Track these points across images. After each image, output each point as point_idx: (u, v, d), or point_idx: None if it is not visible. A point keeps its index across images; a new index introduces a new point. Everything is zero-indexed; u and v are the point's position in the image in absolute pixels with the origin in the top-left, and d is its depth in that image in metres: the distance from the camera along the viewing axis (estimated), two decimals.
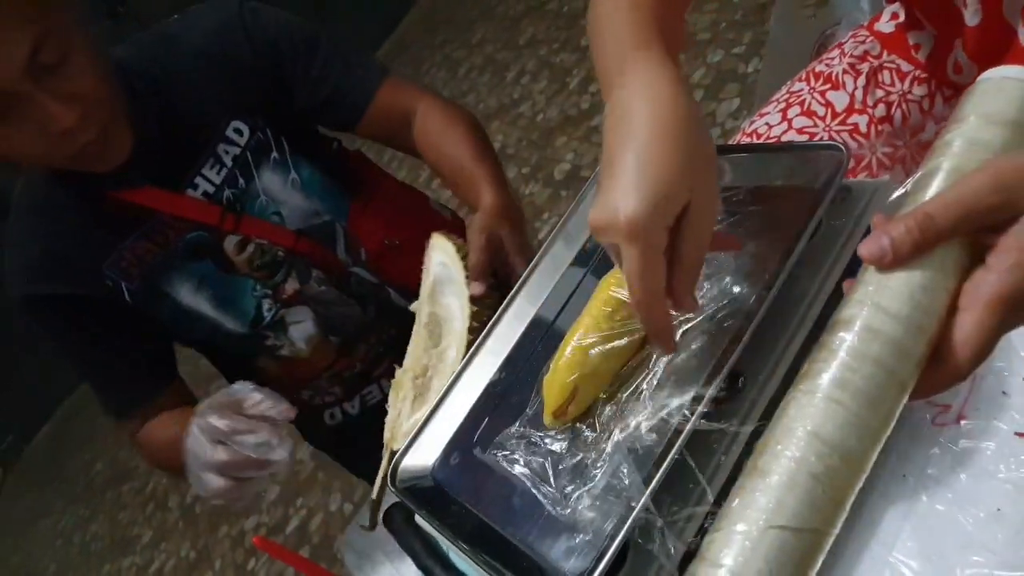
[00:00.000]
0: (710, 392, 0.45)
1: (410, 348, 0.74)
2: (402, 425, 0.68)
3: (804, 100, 0.86)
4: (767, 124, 0.87)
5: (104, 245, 0.85)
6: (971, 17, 0.64)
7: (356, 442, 1.04)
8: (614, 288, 0.54)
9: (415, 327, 0.75)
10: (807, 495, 0.33)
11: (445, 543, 0.58)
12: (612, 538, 0.44)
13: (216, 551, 2.57)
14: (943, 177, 0.37)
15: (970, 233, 0.35)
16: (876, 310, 0.35)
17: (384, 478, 0.68)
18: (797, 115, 0.86)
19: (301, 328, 0.96)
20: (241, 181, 0.89)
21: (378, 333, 1.00)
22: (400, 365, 0.74)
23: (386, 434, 0.70)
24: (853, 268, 0.50)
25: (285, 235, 0.92)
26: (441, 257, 0.75)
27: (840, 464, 0.33)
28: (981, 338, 0.34)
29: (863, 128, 0.81)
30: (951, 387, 0.36)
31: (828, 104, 0.83)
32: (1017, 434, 0.42)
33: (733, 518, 0.34)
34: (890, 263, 0.35)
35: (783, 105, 0.88)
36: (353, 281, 0.97)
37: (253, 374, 0.99)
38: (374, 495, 0.69)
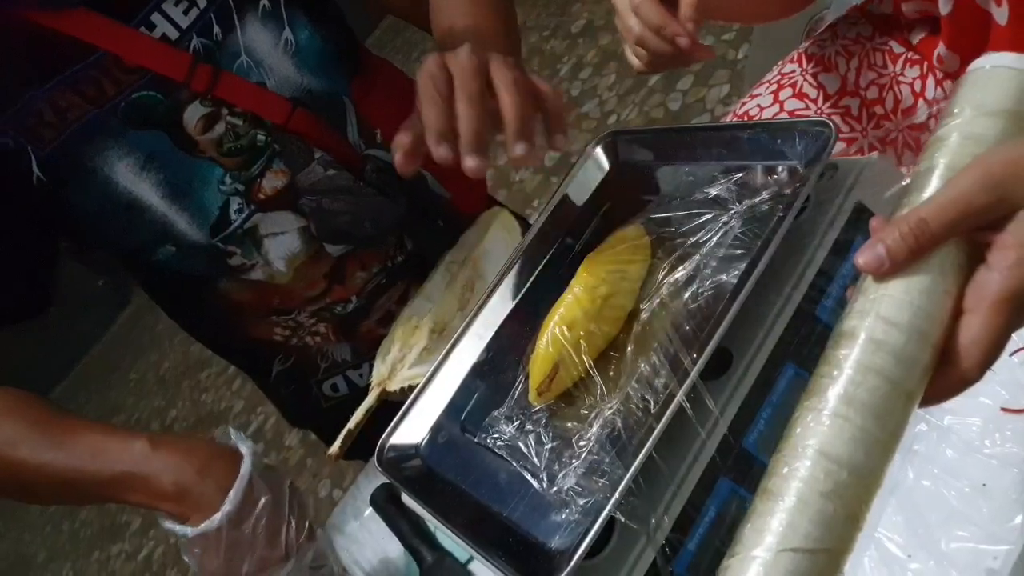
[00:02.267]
0: (696, 369, 0.44)
1: (441, 299, 0.70)
2: (404, 370, 0.67)
3: (796, 82, 0.86)
4: (758, 106, 0.86)
5: (5, 88, 0.61)
6: (943, 5, 0.63)
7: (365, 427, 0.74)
8: (597, 267, 0.54)
9: (451, 283, 0.70)
10: (819, 515, 0.32)
11: (432, 522, 0.58)
12: (596, 516, 0.44)
13: None
14: (940, 174, 0.36)
15: (966, 233, 0.35)
16: (877, 320, 0.35)
17: (366, 412, 0.66)
18: (789, 97, 0.85)
19: (281, 243, 0.72)
20: (217, 30, 0.66)
21: (394, 245, 0.77)
22: (403, 304, 0.68)
23: (380, 367, 0.66)
24: (841, 250, 0.49)
25: (278, 105, 0.68)
26: (502, 234, 0.73)
27: (850, 480, 0.33)
28: (989, 339, 0.34)
29: (855, 111, 0.80)
30: (962, 391, 0.36)
31: (820, 86, 0.83)
32: (1003, 409, 0.42)
33: (747, 543, 0.33)
34: (887, 271, 0.35)
35: (775, 87, 0.87)
36: (369, 168, 0.74)
37: (208, 301, 0.76)
38: (351, 425, 0.66)
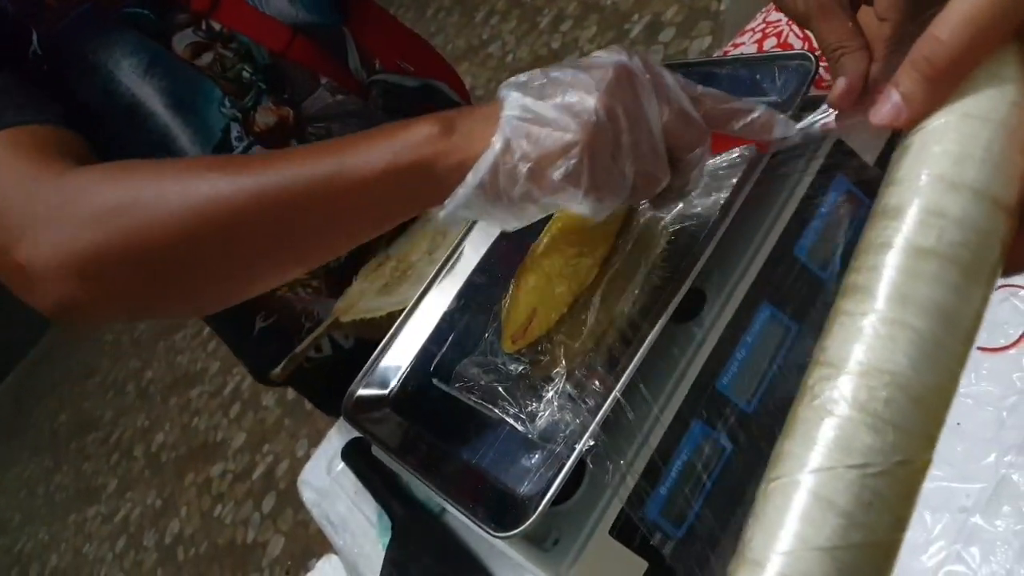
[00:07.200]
0: (668, 310, 0.43)
1: (411, 238, 0.69)
2: (359, 301, 0.65)
3: (782, 32, 0.83)
4: (741, 55, 0.84)
5: None
6: None
7: (346, 380, 0.69)
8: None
9: (424, 224, 0.68)
10: (875, 433, 0.24)
11: (403, 474, 0.56)
12: (565, 461, 0.43)
13: (182, 499, 2.56)
14: None
15: (1010, 38, 0.26)
16: (926, 184, 0.25)
17: (313, 338, 0.66)
18: (773, 47, 0.83)
19: None
20: None
21: None
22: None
23: (340, 302, 0.65)
24: (820, 188, 0.48)
25: (278, 32, 0.67)
26: None
27: (907, 400, 0.25)
28: None
29: None
30: None
31: (806, 37, 0.81)
32: (979, 348, 0.41)
33: (784, 469, 0.26)
34: (909, 119, 0.26)
35: (759, 36, 0.85)
36: (375, 93, 0.71)
37: None
38: (297, 350, 0.66)
